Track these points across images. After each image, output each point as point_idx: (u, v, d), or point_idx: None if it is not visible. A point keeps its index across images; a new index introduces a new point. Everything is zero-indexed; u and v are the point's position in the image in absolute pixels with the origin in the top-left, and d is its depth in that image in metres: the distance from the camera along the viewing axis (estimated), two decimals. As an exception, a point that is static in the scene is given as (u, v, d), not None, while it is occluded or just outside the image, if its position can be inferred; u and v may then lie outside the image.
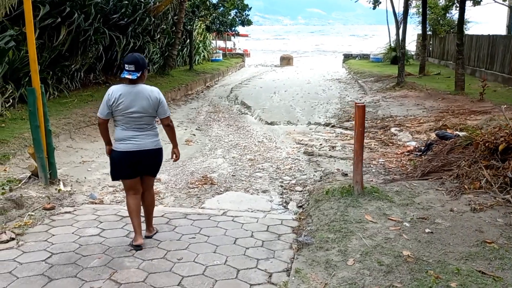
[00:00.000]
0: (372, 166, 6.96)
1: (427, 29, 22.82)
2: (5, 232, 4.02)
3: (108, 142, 4.07)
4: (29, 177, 5.53)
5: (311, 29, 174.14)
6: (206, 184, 6.31)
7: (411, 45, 24.10)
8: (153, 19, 16.81)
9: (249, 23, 18.99)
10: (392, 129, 9.34)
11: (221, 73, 21.52)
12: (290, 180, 6.59)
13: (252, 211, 5.22)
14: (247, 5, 18.78)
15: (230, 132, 9.94)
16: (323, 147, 8.39)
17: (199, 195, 5.87)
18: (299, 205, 5.62)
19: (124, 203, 5.46)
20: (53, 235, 4.18)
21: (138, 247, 3.87)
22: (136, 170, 3.88)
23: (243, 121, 11.31)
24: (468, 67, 17.03)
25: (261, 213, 5.09)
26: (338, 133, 9.48)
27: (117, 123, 3.90)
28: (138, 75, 3.74)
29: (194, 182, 6.36)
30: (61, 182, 5.65)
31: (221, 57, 25.80)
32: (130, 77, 3.71)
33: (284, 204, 5.63)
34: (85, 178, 6.28)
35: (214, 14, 18.88)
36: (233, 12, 19.34)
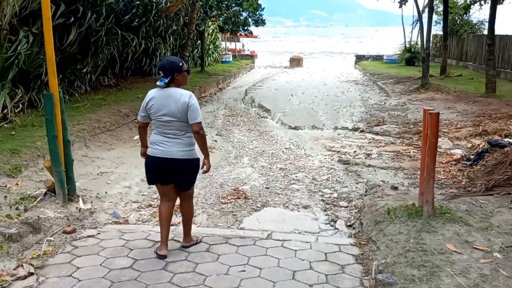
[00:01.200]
0: (418, 176, 6.30)
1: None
2: (22, 266, 3.42)
3: (143, 145, 4.03)
4: (45, 194, 4.93)
5: (314, 30, 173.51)
6: (240, 198, 5.69)
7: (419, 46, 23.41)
8: (165, 20, 16.23)
9: (263, 22, 18.39)
10: (429, 135, 8.67)
11: (233, 74, 20.92)
12: (331, 193, 5.96)
13: (299, 233, 4.59)
14: (260, 4, 18.17)
15: (253, 138, 9.32)
16: (357, 154, 7.75)
17: (235, 211, 5.24)
18: (348, 223, 5.00)
19: (152, 223, 4.85)
20: (78, 268, 3.56)
21: (162, 257, 3.77)
22: (164, 177, 3.75)
23: (264, 125, 10.68)
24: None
25: (311, 236, 4.46)
26: (370, 139, 8.83)
27: (153, 126, 3.81)
28: (167, 80, 3.60)
29: (226, 197, 5.73)
30: (80, 199, 5.04)
31: (231, 59, 25.19)
32: (158, 83, 3.64)
33: (332, 223, 5.00)
34: (105, 193, 5.66)
35: (226, 14, 18.28)
36: (245, 12, 18.74)
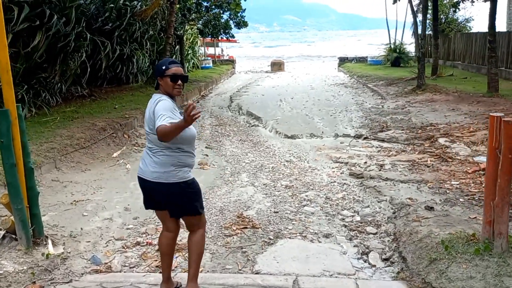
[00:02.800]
0: (447, 191, 5.48)
1: (428, 29, 21.76)
2: None
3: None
4: (3, 237, 3.85)
5: (287, 35, 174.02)
6: (247, 228, 4.72)
7: (410, 47, 22.99)
8: (140, 24, 15.14)
9: (244, 24, 17.47)
10: (441, 140, 7.91)
11: (214, 80, 19.94)
12: (353, 216, 5.05)
13: (331, 275, 3.66)
14: (241, 6, 17.24)
15: (247, 150, 8.36)
16: (369, 166, 6.88)
17: (244, 247, 4.27)
18: (384, 256, 4.09)
19: (142, 268, 3.84)
20: None
21: None
22: (153, 201, 3.15)
23: (257, 135, 9.74)
24: (484, 67, 15.85)
25: (348, 280, 3.54)
26: (377, 147, 7.99)
27: None
28: (155, 84, 3.08)
29: (229, 226, 4.75)
30: (49, 241, 3.97)
31: (211, 64, 24.21)
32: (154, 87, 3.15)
33: (365, 258, 4.09)
34: (81, 229, 4.60)
35: (206, 17, 17.30)
36: (225, 15, 17.81)
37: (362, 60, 25.80)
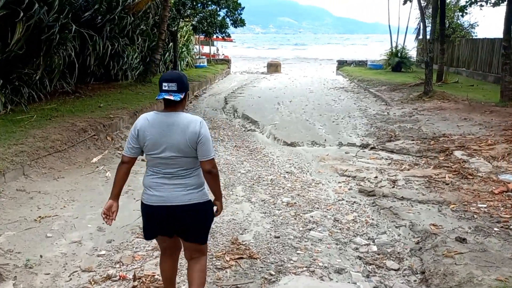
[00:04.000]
0: (474, 215, 4.73)
1: (430, 36, 21.13)
2: None
3: (115, 195, 2.83)
4: None
5: (283, 37, 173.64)
6: (243, 258, 3.93)
7: (412, 52, 22.35)
8: (132, 19, 14.29)
9: (242, 23, 16.66)
10: (457, 153, 7.17)
11: (208, 80, 19.13)
12: (368, 245, 4.28)
13: (351, 333, 2.87)
14: (239, 4, 16.46)
15: (243, 158, 7.57)
16: (380, 181, 6.13)
17: (239, 286, 3.48)
18: (411, 303, 3.31)
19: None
20: None
21: None
22: (169, 230, 2.81)
23: (253, 140, 8.95)
24: (491, 75, 15.22)
25: None
26: (387, 159, 7.24)
27: (147, 164, 2.81)
28: (182, 96, 2.64)
29: (222, 256, 3.96)
30: (-6, 276, 3.15)
31: (205, 63, 23.39)
32: (171, 98, 2.60)
33: (389, 304, 3.31)
34: (40, 257, 3.78)
35: (201, 14, 16.47)
36: (222, 12, 17.01)
37: (361, 64, 25.12)
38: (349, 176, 6.41)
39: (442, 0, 13.56)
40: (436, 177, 6.20)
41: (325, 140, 8.57)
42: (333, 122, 10.25)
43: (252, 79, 22.24)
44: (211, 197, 2.92)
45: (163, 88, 2.62)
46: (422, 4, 19.75)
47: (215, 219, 4.82)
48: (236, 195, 5.67)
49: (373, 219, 4.88)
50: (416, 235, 4.37)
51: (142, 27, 15.57)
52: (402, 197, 5.43)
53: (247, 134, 9.55)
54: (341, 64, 26.00)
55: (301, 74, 25.57)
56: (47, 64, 10.47)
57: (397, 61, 20.44)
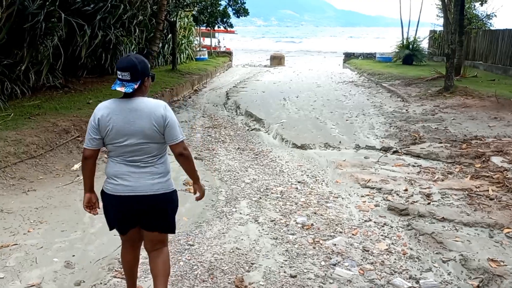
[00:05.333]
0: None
1: (447, 27, 20.05)
2: None
3: (89, 189, 2.76)
4: None
5: (285, 30, 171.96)
6: (250, 311, 2.98)
7: (422, 44, 21.28)
8: (128, 8, 13.29)
9: (245, 12, 15.62)
10: (495, 160, 6.21)
11: (209, 74, 18.12)
12: (411, 289, 3.33)
13: None
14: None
15: (247, 163, 6.61)
16: (411, 195, 5.17)
17: None
18: None
19: None
20: None
21: None
22: (132, 221, 2.69)
23: (258, 142, 7.99)
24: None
25: None
26: (414, 166, 6.27)
27: (109, 154, 2.67)
28: (136, 86, 2.52)
29: (223, 307, 3.01)
30: None
31: (206, 56, 22.33)
32: (123, 90, 2.50)
33: None
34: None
35: (203, 3, 15.42)
36: (224, 1, 15.96)
37: (369, 56, 24.04)
38: (373, 188, 5.45)
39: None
40: (477, 190, 5.24)
41: (340, 142, 7.60)
42: (347, 120, 9.26)
43: (255, 72, 21.23)
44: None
45: (118, 77, 2.52)
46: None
47: (215, 248, 3.90)
48: (240, 213, 4.72)
49: (411, 249, 3.93)
50: (473, 274, 3.42)
51: (139, 17, 14.58)
52: (442, 217, 4.48)
53: (251, 134, 8.59)
54: (348, 56, 24.93)
55: (306, 67, 24.53)
56: (32, 56, 9.51)
57: (407, 54, 19.38)
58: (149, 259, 2.83)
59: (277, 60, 26.71)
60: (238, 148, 7.53)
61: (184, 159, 2.66)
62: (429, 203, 4.91)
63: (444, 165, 6.27)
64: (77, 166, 5.86)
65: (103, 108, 2.55)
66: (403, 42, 20.41)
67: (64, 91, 10.20)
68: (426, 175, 5.85)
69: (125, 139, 2.53)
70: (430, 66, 18.36)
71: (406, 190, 5.32)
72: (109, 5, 11.96)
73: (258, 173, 6.14)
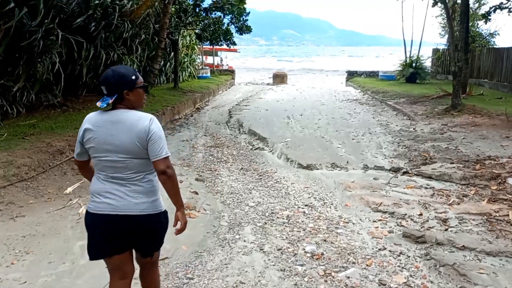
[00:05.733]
0: None
1: (448, 44, 19.92)
2: None
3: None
4: None
5: (286, 49, 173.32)
6: None
7: (426, 62, 21.10)
8: (130, 26, 13.16)
9: (248, 29, 15.50)
10: (511, 181, 5.87)
11: (212, 92, 17.93)
12: (436, 330, 2.96)
13: None
14: (244, 9, 15.32)
15: (250, 184, 6.29)
16: (427, 220, 4.82)
17: None
18: None
19: None
20: None
21: None
22: (117, 244, 2.49)
23: (262, 162, 7.68)
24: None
25: None
26: (427, 188, 5.93)
27: (94, 168, 2.55)
28: (111, 101, 2.40)
29: None
30: None
31: (209, 74, 22.23)
32: (99, 104, 2.40)
33: None
34: None
35: (205, 21, 15.31)
36: (227, 19, 15.87)
37: (372, 74, 23.88)
38: (385, 212, 5.11)
39: (467, 6, 12.32)
40: (497, 214, 4.89)
41: (347, 162, 7.28)
42: (353, 139, 8.96)
43: (257, 90, 21.06)
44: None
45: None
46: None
47: (217, 282, 3.55)
48: (244, 240, 4.38)
49: (432, 282, 3.57)
50: (504, 314, 3.06)
51: (142, 36, 14.47)
52: (463, 246, 4.13)
53: (254, 154, 8.29)
54: (351, 75, 24.78)
55: (309, 85, 24.39)
56: (29, 74, 9.31)
57: (411, 72, 19.20)
58: (139, 272, 2.74)
59: (279, 78, 26.61)
60: (241, 168, 7.21)
61: (167, 178, 2.41)
62: (446, 229, 4.56)
63: (458, 187, 5.94)
64: (71, 189, 5.55)
65: (88, 120, 2.46)
66: (406, 61, 20.24)
67: (62, 110, 9.97)
68: (441, 198, 5.51)
69: (106, 154, 2.40)
70: (434, 84, 18.18)
71: (420, 214, 4.98)
72: (113, 23, 11.83)
73: (262, 196, 5.81)
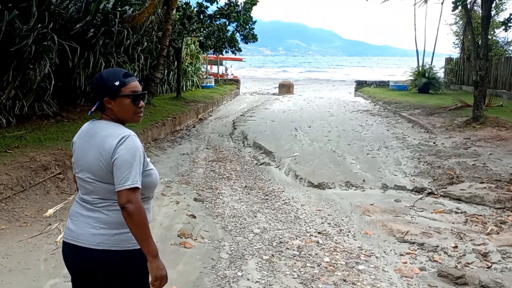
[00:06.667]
0: None
1: (462, 53, 19.23)
2: None
3: None
4: None
5: (292, 59, 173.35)
6: None
7: (439, 72, 20.41)
8: (132, 33, 12.61)
9: (254, 38, 14.92)
10: (556, 206, 5.12)
11: (215, 102, 17.31)
12: None
13: None
14: (251, 17, 14.74)
15: (255, 206, 5.59)
16: (463, 255, 4.09)
17: None
18: None
19: None
20: None
21: None
22: (79, 280, 2.09)
23: (269, 179, 6.99)
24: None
25: None
26: (458, 212, 5.20)
27: None
28: (93, 109, 2.09)
29: None
30: None
31: (213, 83, 21.65)
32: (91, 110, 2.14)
33: None
34: None
35: (210, 28, 14.74)
36: (231, 27, 15.28)
37: (382, 84, 23.18)
38: (413, 243, 4.38)
39: (489, 10, 11.62)
40: (547, 247, 4.15)
41: (364, 180, 6.56)
42: (368, 154, 8.24)
43: (263, 100, 20.42)
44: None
45: None
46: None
47: None
48: (248, 279, 3.67)
49: None
50: None
51: (144, 43, 13.92)
52: (514, 290, 3.39)
53: (260, 169, 7.60)
54: (360, 84, 24.09)
55: (316, 95, 23.74)
56: (21, 82, 8.73)
57: (424, 82, 18.48)
58: None
59: (285, 88, 26.00)
60: (245, 186, 6.52)
61: (127, 216, 1.86)
62: (489, 267, 3.83)
63: (493, 212, 5.20)
64: (52, 211, 4.87)
65: (80, 129, 2.15)
66: (418, 70, 19.53)
67: (56, 120, 9.34)
68: (476, 225, 4.78)
69: (79, 171, 2.08)
70: (448, 94, 17.46)
71: (455, 246, 4.25)
72: (112, 30, 11.28)
73: (269, 220, 5.11)
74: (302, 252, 4.20)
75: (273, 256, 4.13)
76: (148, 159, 2.06)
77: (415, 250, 4.24)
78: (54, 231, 4.42)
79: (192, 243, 4.34)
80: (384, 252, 4.23)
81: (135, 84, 2.06)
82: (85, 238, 1.97)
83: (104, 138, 1.97)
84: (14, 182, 5.12)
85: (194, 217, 5.07)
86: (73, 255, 2.03)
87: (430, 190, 6.00)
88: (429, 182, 6.33)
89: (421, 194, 5.93)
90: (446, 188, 6.04)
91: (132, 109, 2.06)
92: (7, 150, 6.28)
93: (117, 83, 2.02)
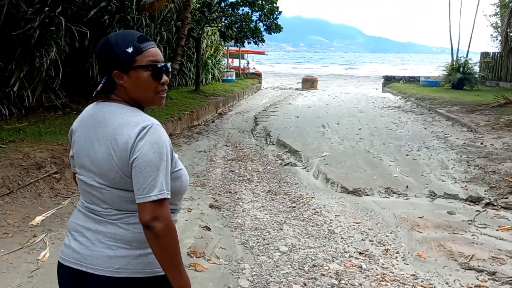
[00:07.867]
0: None
1: (501, 46, 17.91)
2: None
3: None
4: None
5: (314, 55, 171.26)
6: None
7: (475, 67, 19.13)
8: (149, 22, 11.92)
9: (278, 29, 14.00)
10: None
11: (236, 96, 16.50)
12: None
13: None
14: (277, 7, 13.84)
15: (281, 215, 4.73)
16: (554, 291, 3.14)
17: None
18: None
19: None
20: None
21: None
22: None
23: (295, 182, 6.12)
24: None
25: None
26: (530, 231, 4.24)
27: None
28: (99, 87, 1.50)
29: None
30: None
31: (234, 77, 20.86)
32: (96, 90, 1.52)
33: None
34: None
35: (232, 17, 13.88)
36: (255, 16, 14.40)
37: (412, 80, 21.97)
38: (481, 272, 3.46)
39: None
40: None
41: (407, 187, 5.62)
42: (407, 155, 7.28)
43: (286, 95, 19.53)
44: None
45: None
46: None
47: None
48: (274, 319, 2.81)
49: None
50: None
51: (163, 33, 13.21)
52: None
53: (285, 171, 6.73)
54: (388, 80, 22.90)
55: (341, 90, 22.70)
56: (27, 71, 8.07)
57: (459, 78, 17.25)
58: None
59: (309, 83, 25.02)
60: (269, 191, 5.67)
61: (153, 237, 1.34)
62: None
63: None
64: (40, 218, 4.11)
65: (81, 114, 1.59)
66: (453, 65, 18.29)
67: (63, 112, 8.68)
68: (559, 249, 3.81)
69: (82, 170, 1.51)
70: (484, 91, 16.23)
71: (540, 280, 3.30)
72: (129, 17, 10.58)
73: (297, 234, 4.24)
74: (342, 281, 3.33)
75: (305, 285, 3.28)
76: (176, 155, 1.50)
77: (486, 282, 3.32)
78: (38, 245, 3.66)
79: (204, 264, 3.52)
80: (447, 283, 3.32)
81: (155, 51, 1.48)
82: (97, 262, 1.44)
83: (117, 128, 1.41)
84: (0, 183, 4.39)
85: (209, 229, 4.25)
86: (79, 285, 1.48)
87: (488, 200, 5.03)
88: (485, 190, 5.35)
89: (478, 204, 4.97)
90: (507, 198, 5.07)
91: (152, 86, 1.48)
92: (1, 145, 5.58)
93: (130, 50, 1.44)
